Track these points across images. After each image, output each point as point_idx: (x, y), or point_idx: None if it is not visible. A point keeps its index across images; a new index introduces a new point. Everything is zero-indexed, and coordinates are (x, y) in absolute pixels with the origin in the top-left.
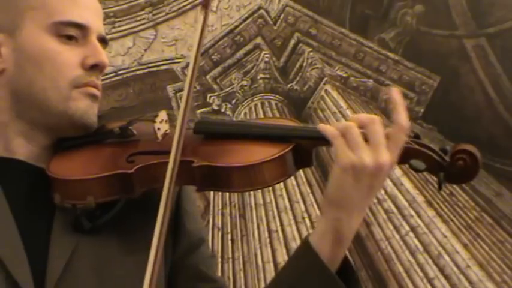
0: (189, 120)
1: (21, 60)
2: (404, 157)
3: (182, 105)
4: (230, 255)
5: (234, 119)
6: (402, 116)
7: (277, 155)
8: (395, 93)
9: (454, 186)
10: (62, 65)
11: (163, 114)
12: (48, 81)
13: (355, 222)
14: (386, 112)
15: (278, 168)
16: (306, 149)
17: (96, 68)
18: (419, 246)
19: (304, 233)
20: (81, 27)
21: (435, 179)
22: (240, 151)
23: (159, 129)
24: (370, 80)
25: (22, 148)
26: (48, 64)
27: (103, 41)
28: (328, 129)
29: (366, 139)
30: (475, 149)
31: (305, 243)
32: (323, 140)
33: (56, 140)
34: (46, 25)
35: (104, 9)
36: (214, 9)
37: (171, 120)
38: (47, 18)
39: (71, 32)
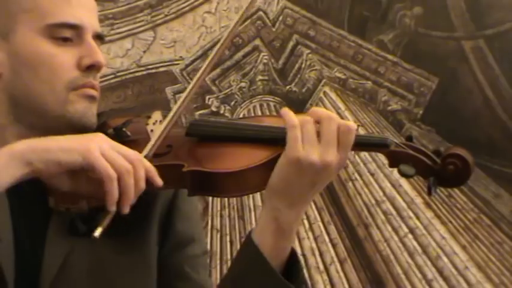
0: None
1: (17, 64)
2: (394, 161)
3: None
4: (229, 257)
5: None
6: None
7: (267, 159)
8: None
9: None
10: (58, 68)
11: (157, 115)
12: (44, 85)
13: (294, 214)
14: (384, 114)
15: (270, 172)
16: None
17: (92, 68)
18: (418, 248)
19: (302, 235)
20: (76, 28)
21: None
22: (231, 155)
23: (152, 131)
24: (369, 82)
25: None
26: (43, 68)
27: (99, 38)
28: (289, 116)
29: (319, 135)
30: (467, 153)
31: (247, 237)
32: None
33: None
34: (39, 28)
35: (102, 11)
36: (213, 11)
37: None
38: (40, 20)
39: (65, 34)
